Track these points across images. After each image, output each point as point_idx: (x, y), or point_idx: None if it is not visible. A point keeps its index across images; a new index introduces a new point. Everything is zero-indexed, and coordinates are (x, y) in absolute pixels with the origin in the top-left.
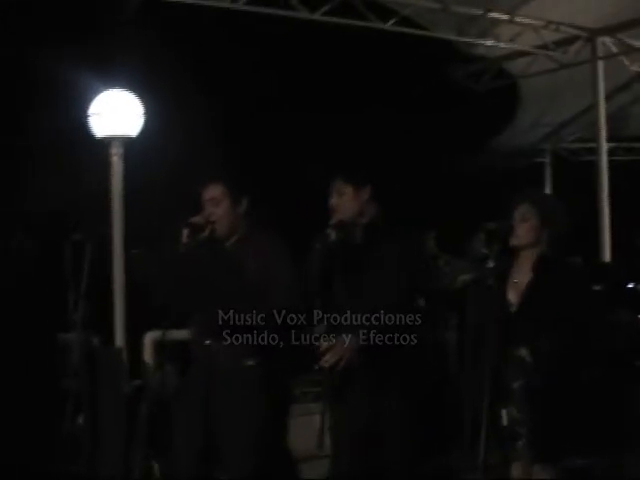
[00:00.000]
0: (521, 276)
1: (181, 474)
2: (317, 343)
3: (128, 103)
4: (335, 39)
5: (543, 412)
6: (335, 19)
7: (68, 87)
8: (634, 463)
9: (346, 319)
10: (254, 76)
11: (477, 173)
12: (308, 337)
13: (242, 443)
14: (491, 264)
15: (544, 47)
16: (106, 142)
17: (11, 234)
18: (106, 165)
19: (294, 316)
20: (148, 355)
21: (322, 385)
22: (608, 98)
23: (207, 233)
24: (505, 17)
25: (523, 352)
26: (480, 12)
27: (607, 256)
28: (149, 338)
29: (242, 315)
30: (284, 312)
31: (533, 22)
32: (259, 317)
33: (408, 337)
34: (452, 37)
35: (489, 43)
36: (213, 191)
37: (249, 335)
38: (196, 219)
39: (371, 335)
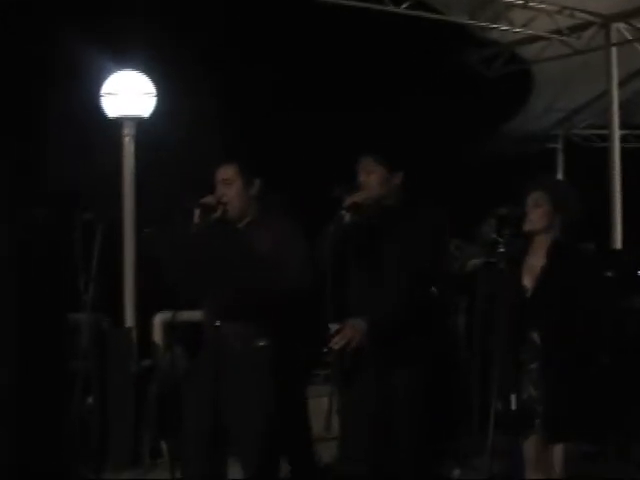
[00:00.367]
0: (535, 261)
1: (190, 455)
2: (328, 325)
3: (140, 84)
4: (346, 21)
5: (559, 393)
6: (347, 1)
7: (81, 68)
8: None
9: (359, 302)
10: (266, 58)
11: (489, 158)
12: (319, 319)
13: (252, 425)
14: (502, 249)
15: (558, 32)
16: (118, 123)
17: (26, 214)
18: (118, 146)
19: (305, 298)
20: (158, 336)
21: (331, 367)
22: (621, 84)
23: (219, 214)
24: (519, 1)
25: (537, 336)
26: None
27: (618, 243)
28: (159, 319)
29: (253, 297)
30: (295, 294)
31: (547, 7)
32: (270, 299)
33: (419, 321)
34: (465, 21)
35: (503, 28)
36: (225, 172)
37: (260, 317)
38: (208, 200)
39: (383, 318)
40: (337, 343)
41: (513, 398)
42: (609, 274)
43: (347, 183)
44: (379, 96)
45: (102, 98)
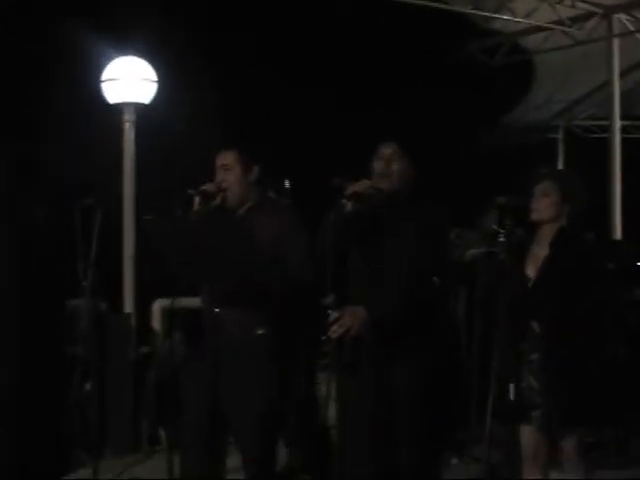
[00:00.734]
0: (540, 251)
1: (188, 442)
2: (329, 310)
3: (141, 70)
4: (349, 11)
5: (560, 385)
6: None
7: (82, 54)
8: None
9: (360, 291)
10: (269, 46)
11: (489, 148)
12: (319, 308)
13: (251, 412)
14: (503, 238)
15: (560, 23)
16: (119, 108)
17: (28, 202)
18: (118, 131)
19: (305, 286)
20: (157, 322)
21: (329, 356)
22: (622, 75)
23: (219, 201)
24: None
25: (539, 326)
26: None
27: (618, 233)
28: (158, 305)
29: (252, 284)
30: (295, 281)
31: None
32: (269, 286)
33: (421, 311)
34: (468, 10)
35: (505, 18)
36: (225, 157)
37: (259, 304)
38: (208, 186)
39: (384, 306)
40: (335, 332)
41: (512, 388)
42: (610, 266)
43: (348, 172)
44: (381, 86)
45: (103, 84)
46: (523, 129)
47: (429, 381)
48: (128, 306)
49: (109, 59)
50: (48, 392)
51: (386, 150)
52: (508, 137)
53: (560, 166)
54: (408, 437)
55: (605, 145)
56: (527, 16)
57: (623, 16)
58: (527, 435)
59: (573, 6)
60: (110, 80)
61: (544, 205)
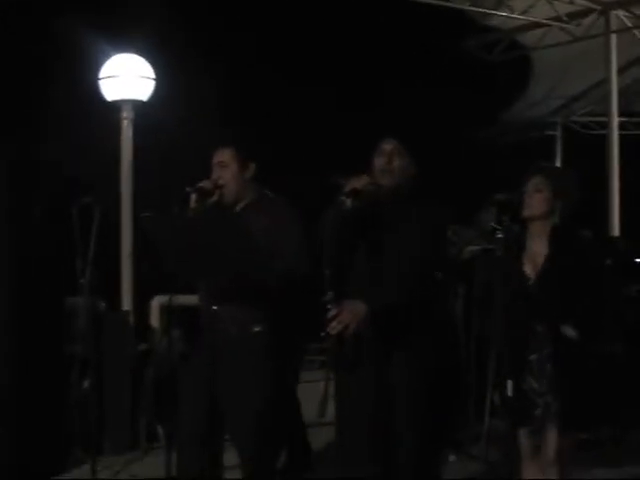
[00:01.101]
0: (537, 248)
1: (186, 440)
2: (328, 307)
3: (139, 67)
4: (349, 8)
5: (562, 385)
6: None
7: (80, 51)
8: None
9: (358, 288)
10: (267, 44)
11: (488, 145)
12: (317, 304)
13: (248, 410)
14: (500, 235)
15: (558, 19)
16: (117, 106)
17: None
18: (116, 129)
19: (303, 283)
20: (155, 320)
21: (327, 353)
22: (620, 72)
23: (215, 198)
24: None
25: (540, 325)
26: None
27: (616, 230)
28: (156, 303)
29: (249, 281)
30: (293, 278)
31: None
32: (266, 283)
33: (421, 309)
34: (466, 7)
35: (503, 14)
36: (221, 155)
37: (256, 301)
38: (204, 184)
39: (383, 299)
40: (335, 328)
41: (509, 384)
42: (607, 262)
43: (348, 170)
44: (379, 84)
45: (101, 81)
46: (521, 126)
47: (428, 379)
48: (126, 304)
49: (107, 56)
50: (46, 390)
51: (387, 146)
52: (506, 134)
53: (558, 163)
54: (408, 436)
55: (603, 141)
56: (525, 12)
57: (621, 12)
58: (526, 435)
59: (571, 2)
60: (108, 77)
61: (536, 201)
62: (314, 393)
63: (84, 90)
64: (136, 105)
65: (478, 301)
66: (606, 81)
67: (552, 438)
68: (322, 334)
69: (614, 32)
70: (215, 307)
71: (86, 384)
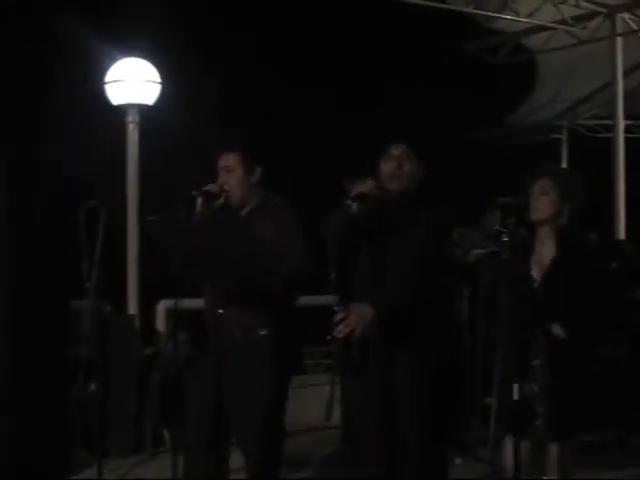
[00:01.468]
0: (545, 251)
1: (191, 443)
2: (334, 309)
3: (145, 71)
4: (352, 11)
5: (563, 390)
6: None
7: (86, 55)
8: None
9: (365, 290)
10: (271, 47)
11: (493, 148)
12: (322, 308)
13: (254, 413)
14: (506, 238)
15: (563, 22)
16: (122, 110)
17: (30, 202)
18: (122, 133)
19: (308, 286)
20: (161, 323)
21: (333, 356)
22: (626, 75)
23: (222, 201)
24: None
25: (547, 329)
26: None
27: (622, 233)
28: (162, 306)
29: (254, 285)
30: (297, 282)
31: None
32: (272, 287)
33: (425, 311)
34: (471, 10)
35: (508, 17)
36: (227, 159)
37: (262, 305)
38: (210, 187)
39: (388, 299)
40: (341, 331)
41: (515, 388)
42: (613, 265)
43: (349, 171)
44: (382, 86)
45: (106, 85)
46: (527, 129)
47: (432, 381)
48: (132, 307)
49: (113, 60)
50: (52, 393)
51: (396, 151)
52: (512, 137)
53: (564, 166)
54: (411, 436)
55: (609, 145)
56: (530, 15)
57: (626, 15)
58: (528, 444)
59: (576, 5)
60: (114, 81)
61: (543, 203)
62: (320, 396)
63: (84, 90)
64: (142, 109)
65: (483, 304)
66: (612, 84)
67: (553, 450)
68: (328, 337)
69: (620, 35)
70: (221, 311)
71: (92, 387)
